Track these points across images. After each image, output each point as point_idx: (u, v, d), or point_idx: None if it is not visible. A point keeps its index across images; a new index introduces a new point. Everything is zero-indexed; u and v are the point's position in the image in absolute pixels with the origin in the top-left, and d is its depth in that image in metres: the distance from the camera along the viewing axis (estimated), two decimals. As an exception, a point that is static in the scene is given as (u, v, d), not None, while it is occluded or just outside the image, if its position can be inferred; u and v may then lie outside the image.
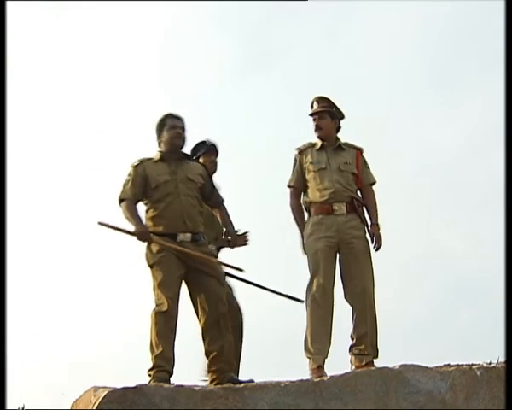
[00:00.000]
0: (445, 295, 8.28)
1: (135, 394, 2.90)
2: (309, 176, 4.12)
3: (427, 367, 3.40)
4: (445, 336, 7.06)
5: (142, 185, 3.91)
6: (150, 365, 3.53)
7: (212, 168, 4.36)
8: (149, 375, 3.51)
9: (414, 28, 10.16)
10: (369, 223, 4.12)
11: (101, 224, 3.78)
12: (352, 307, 3.91)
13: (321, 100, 4.19)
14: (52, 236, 8.24)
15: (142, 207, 3.95)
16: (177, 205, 3.84)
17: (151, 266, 3.78)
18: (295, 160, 4.23)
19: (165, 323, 3.60)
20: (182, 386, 3.09)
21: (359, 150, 4.26)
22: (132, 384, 2.98)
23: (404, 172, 9.34)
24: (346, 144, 4.24)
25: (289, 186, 4.23)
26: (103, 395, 2.86)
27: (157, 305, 3.67)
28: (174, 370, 3.57)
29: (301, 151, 4.22)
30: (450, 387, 3.33)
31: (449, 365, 3.56)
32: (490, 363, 3.59)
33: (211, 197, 4.08)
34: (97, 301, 7.35)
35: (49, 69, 9.76)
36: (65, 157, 9.19)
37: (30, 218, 8.32)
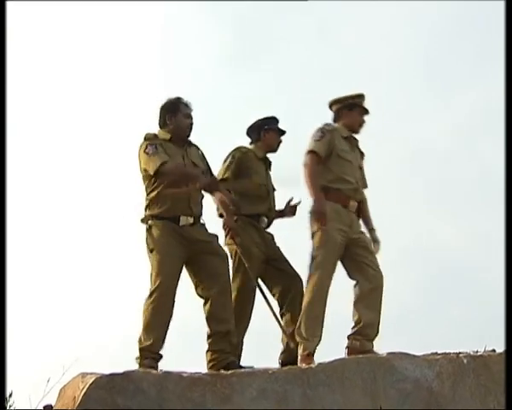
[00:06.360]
0: (436, 286, 8.33)
1: (123, 380, 2.89)
2: (334, 159, 3.99)
3: (414, 355, 3.43)
4: (435, 327, 7.10)
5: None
6: (137, 352, 3.57)
7: (276, 147, 4.45)
8: (137, 363, 3.54)
9: (406, 23, 10.20)
10: (368, 227, 4.13)
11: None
12: (360, 287, 3.84)
13: None
14: (52, 235, 8.27)
15: (142, 188, 3.84)
16: None
17: (151, 251, 3.72)
18: (324, 133, 4.01)
19: (154, 313, 3.58)
20: (170, 372, 3.08)
21: (362, 154, 4.24)
22: (120, 371, 2.99)
23: (397, 165, 9.38)
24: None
25: (315, 152, 3.96)
26: (91, 380, 2.86)
27: (149, 294, 3.64)
28: (162, 356, 3.61)
29: (332, 130, 4.06)
30: (437, 375, 3.36)
31: (436, 353, 3.58)
32: (477, 351, 3.62)
33: None
34: (95, 298, 7.37)
35: (49, 67, 9.78)
36: (64, 152, 9.22)
37: (28, 215, 8.33)
